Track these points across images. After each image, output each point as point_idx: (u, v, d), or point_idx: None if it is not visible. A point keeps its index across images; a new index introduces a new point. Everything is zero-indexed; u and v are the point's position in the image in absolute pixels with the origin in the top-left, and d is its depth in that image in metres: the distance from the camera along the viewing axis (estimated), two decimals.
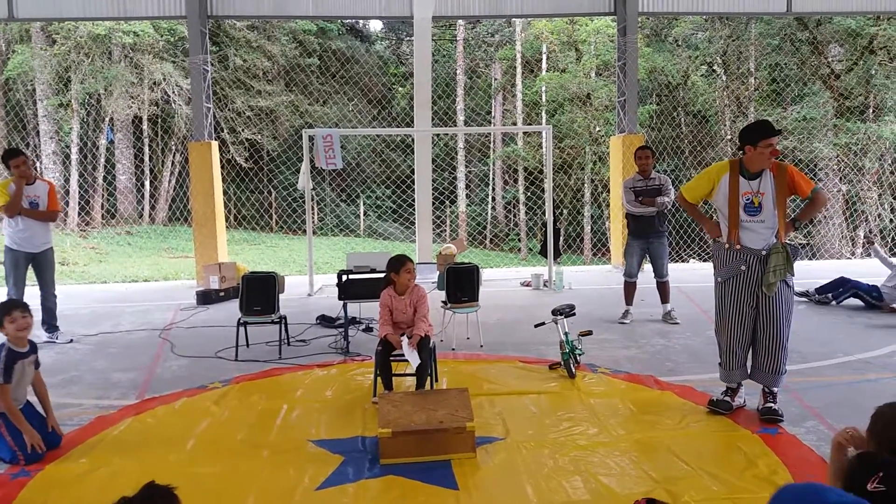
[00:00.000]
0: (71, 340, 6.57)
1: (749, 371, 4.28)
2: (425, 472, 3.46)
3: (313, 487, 3.36)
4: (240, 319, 6.00)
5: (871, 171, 16.04)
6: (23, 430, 3.69)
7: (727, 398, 4.27)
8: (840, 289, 7.51)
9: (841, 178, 15.93)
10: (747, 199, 4.09)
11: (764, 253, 4.07)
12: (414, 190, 10.82)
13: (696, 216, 4.54)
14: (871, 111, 16.68)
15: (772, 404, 4.15)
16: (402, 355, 4.51)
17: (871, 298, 7.23)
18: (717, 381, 4.64)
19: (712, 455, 3.63)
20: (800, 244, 4.56)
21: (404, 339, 4.52)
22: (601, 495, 3.20)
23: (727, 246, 4.19)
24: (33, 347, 3.95)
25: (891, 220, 15.94)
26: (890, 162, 16.25)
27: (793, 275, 4.10)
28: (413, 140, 11.68)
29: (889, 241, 15.27)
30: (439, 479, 3.40)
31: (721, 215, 4.25)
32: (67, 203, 19.48)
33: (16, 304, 3.96)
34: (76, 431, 4.15)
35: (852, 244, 16.14)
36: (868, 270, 9.47)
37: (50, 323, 6.63)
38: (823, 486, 1.92)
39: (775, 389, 4.19)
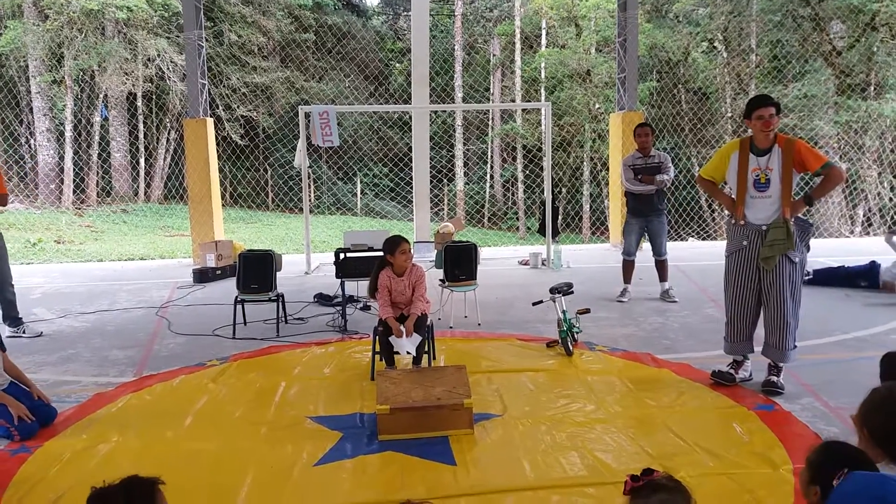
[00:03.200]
0: (41, 334, 6.00)
1: (761, 347, 4.31)
2: (423, 448, 3.47)
3: (312, 463, 3.38)
4: (237, 297, 5.99)
5: (871, 149, 15.97)
6: (6, 402, 3.70)
7: (731, 370, 4.32)
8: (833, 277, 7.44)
9: (841, 157, 15.86)
10: (756, 176, 4.13)
11: (764, 228, 4.10)
12: (411, 168, 10.76)
13: (713, 193, 4.54)
14: (872, 89, 16.55)
15: (773, 377, 4.22)
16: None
17: (862, 284, 7.14)
18: (714, 359, 4.67)
19: (708, 431, 3.65)
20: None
21: (404, 339, 4.44)
22: (598, 471, 3.22)
23: (733, 221, 4.28)
24: None
25: (890, 199, 15.91)
26: (890, 140, 16.16)
27: (795, 250, 4.07)
28: (410, 117, 11.58)
29: (889, 219, 15.26)
30: (437, 454, 3.41)
31: (731, 191, 4.31)
32: (62, 181, 19.36)
33: None
34: (75, 408, 4.16)
35: (851, 223, 16.12)
36: (867, 248, 9.49)
37: (12, 316, 5.96)
38: (890, 477, 1.87)
39: (781, 364, 4.23)
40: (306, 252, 9.35)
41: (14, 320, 6.01)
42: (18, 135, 19.78)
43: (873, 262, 7.22)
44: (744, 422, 3.75)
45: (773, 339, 4.21)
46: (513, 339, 5.53)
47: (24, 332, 5.99)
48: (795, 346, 4.22)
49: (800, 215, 4.17)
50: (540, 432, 3.67)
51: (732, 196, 4.29)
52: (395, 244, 4.64)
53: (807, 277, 7.40)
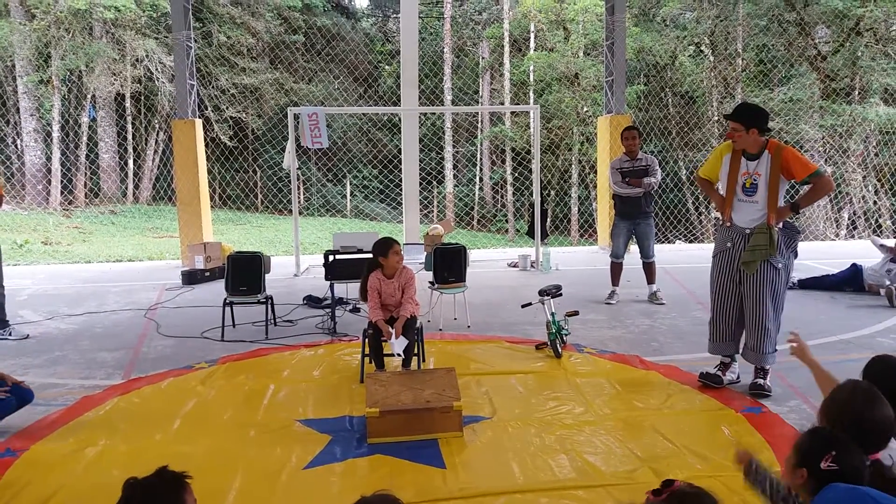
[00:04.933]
0: (27, 336, 5.96)
1: (741, 349, 4.36)
2: (412, 451, 3.48)
3: (301, 466, 3.37)
4: (226, 299, 5.97)
5: (855, 153, 16.15)
6: None
7: (718, 372, 4.35)
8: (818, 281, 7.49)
9: (826, 160, 16.02)
10: (744, 179, 4.17)
11: (748, 232, 4.14)
12: (401, 170, 10.76)
13: (708, 192, 4.58)
14: (856, 93, 16.73)
15: (760, 380, 4.25)
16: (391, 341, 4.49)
17: (847, 290, 7.20)
18: (702, 361, 4.70)
19: (696, 434, 3.68)
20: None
21: (393, 339, 4.44)
22: (587, 473, 3.23)
23: (720, 222, 4.33)
24: None
25: (874, 202, 16.09)
26: (874, 144, 16.35)
27: (777, 257, 4.10)
28: (400, 119, 11.59)
29: (872, 222, 15.43)
30: (426, 457, 3.42)
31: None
32: (50, 182, 19.20)
33: None
34: (62, 411, 4.12)
35: (836, 226, 16.28)
36: (852, 252, 9.59)
37: (0, 318, 5.95)
38: (867, 492, 1.93)
39: (766, 367, 4.26)
40: (295, 254, 9.32)
41: (0, 322, 5.96)
42: (5, 135, 19.59)
43: (854, 264, 7.29)
44: (732, 424, 3.78)
45: (751, 343, 4.26)
46: (502, 342, 5.54)
47: (10, 335, 5.93)
48: (775, 351, 4.25)
49: (789, 220, 4.21)
50: (529, 435, 3.68)
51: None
52: (387, 246, 4.64)
53: (790, 287, 7.48)
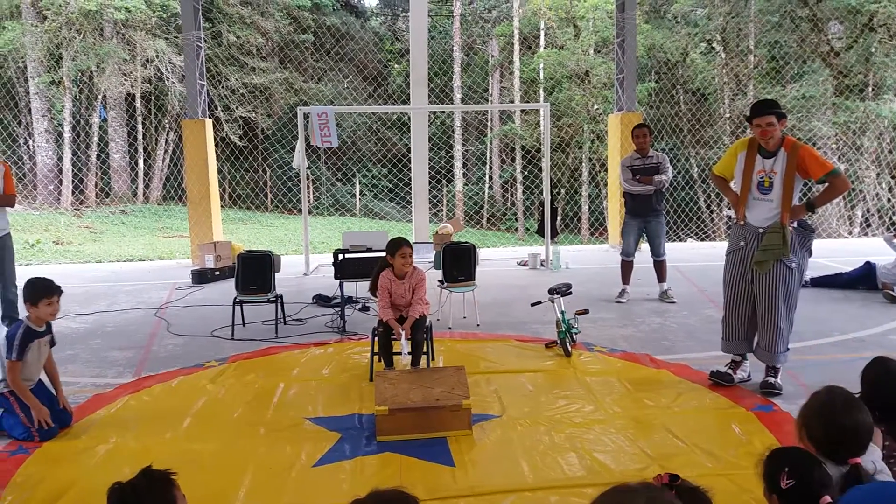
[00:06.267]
0: None
1: (753, 347, 4.32)
2: (422, 449, 3.47)
3: (310, 464, 3.37)
4: (236, 298, 5.99)
5: (869, 150, 15.99)
6: (31, 405, 3.70)
7: (729, 371, 4.32)
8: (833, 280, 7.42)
9: (839, 157, 15.87)
10: (760, 178, 4.11)
11: (761, 231, 4.09)
12: (410, 169, 10.76)
13: (723, 190, 4.52)
14: (870, 89, 16.56)
15: (771, 378, 4.21)
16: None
17: (861, 288, 7.14)
18: (713, 360, 4.67)
19: (707, 432, 3.65)
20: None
21: (403, 338, 4.44)
22: (596, 472, 3.22)
23: (734, 220, 4.28)
24: (49, 327, 3.96)
25: (888, 200, 15.92)
26: (888, 141, 16.18)
27: (791, 256, 4.05)
28: (409, 118, 11.59)
29: (887, 220, 15.27)
30: (436, 455, 3.41)
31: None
32: (61, 182, 19.34)
33: (55, 289, 3.90)
34: (74, 409, 4.14)
35: (850, 223, 16.13)
36: (865, 250, 9.51)
37: (11, 316, 5.95)
38: (890, 484, 1.91)
39: (778, 366, 4.23)
40: (305, 253, 9.35)
41: (13, 320, 5.96)
42: (17, 136, 19.76)
43: (868, 262, 7.22)
44: (742, 422, 3.75)
45: (763, 342, 4.22)
46: (511, 340, 5.53)
47: None
48: (787, 350, 4.22)
49: (804, 219, 4.15)
50: (538, 433, 3.66)
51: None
52: (396, 246, 4.62)
53: (803, 285, 7.41)
